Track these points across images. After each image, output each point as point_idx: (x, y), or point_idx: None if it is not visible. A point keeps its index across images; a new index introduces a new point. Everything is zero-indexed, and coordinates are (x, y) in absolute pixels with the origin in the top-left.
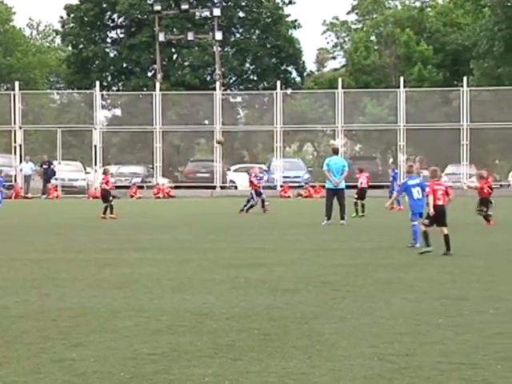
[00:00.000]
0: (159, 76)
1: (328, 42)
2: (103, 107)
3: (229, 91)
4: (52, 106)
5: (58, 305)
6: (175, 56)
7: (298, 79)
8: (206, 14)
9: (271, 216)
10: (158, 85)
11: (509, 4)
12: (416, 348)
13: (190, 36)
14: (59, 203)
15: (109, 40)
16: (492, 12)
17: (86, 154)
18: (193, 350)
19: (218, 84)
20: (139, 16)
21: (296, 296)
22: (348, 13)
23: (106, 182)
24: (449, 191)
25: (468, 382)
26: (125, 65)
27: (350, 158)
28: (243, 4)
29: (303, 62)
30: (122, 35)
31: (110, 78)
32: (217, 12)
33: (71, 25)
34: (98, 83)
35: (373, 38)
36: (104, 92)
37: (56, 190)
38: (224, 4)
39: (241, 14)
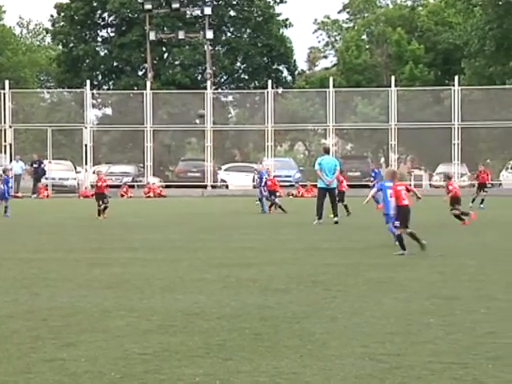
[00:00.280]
0: (150, 75)
1: (319, 41)
2: (94, 106)
3: (220, 90)
4: (42, 104)
5: (48, 304)
6: (166, 55)
7: (290, 78)
8: (197, 12)
9: (262, 216)
10: (148, 84)
11: (500, 3)
12: (407, 348)
13: (181, 35)
14: (49, 203)
15: (99, 39)
16: (483, 11)
17: (76, 153)
18: (184, 349)
19: (208, 83)
20: (130, 15)
21: (287, 295)
22: (339, 12)
23: (103, 183)
24: (409, 188)
25: (459, 381)
26: (115, 64)
27: (341, 157)
28: (234, 3)
29: (294, 61)
30: (112, 34)
31: (100, 77)
32: (208, 11)
33: (61, 23)
34: (88, 82)
35: (364, 36)
36: (94, 91)
37: (46, 190)
38: (215, 3)
39: (232, 13)
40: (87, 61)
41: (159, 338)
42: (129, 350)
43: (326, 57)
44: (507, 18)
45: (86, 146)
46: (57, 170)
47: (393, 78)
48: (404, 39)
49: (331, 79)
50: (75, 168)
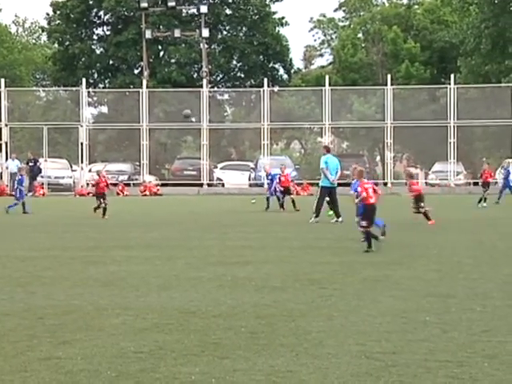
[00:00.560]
0: (146, 73)
1: (315, 40)
2: (89, 104)
3: (216, 88)
4: (38, 103)
5: (44, 303)
6: (162, 53)
7: (285, 76)
8: (193, 11)
9: (258, 214)
10: (144, 82)
11: (495, 1)
12: (403, 346)
13: (177, 33)
14: (45, 201)
15: (95, 37)
16: (479, 9)
17: (72, 152)
18: (179, 348)
19: (204, 81)
20: (126, 13)
21: (283, 294)
22: (335, 10)
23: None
24: (376, 188)
25: (455, 379)
26: (111, 62)
27: (337, 155)
28: (230, 1)
29: (290, 60)
30: (108, 32)
31: (96, 76)
32: (204, 9)
33: (57, 22)
34: (84, 80)
35: (360, 35)
36: (90, 89)
37: (42, 188)
38: (211, 1)
39: (228, 12)
40: (83, 59)
41: (155, 337)
42: (125, 349)
43: (321, 55)
44: (503, 16)
45: (81, 144)
46: (53, 168)
47: (389, 76)
48: (400, 37)
49: (327, 77)
50: (71, 166)
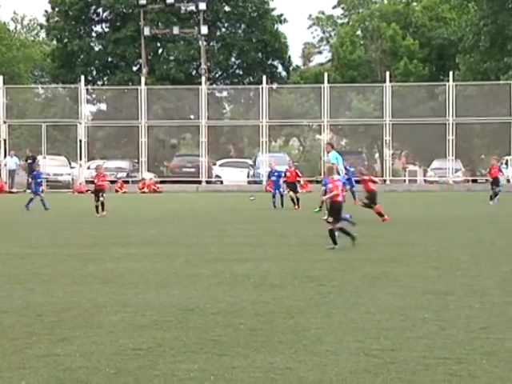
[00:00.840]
0: (144, 70)
1: (314, 37)
2: (88, 102)
3: (214, 86)
4: (37, 100)
5: (43, 300)
6: (160, 50)
7: (284, 74)
8: (192, 8)
9: (257, 211)
10: (143, 79)
11: None
12: (402, 343)
13: (176, 30)
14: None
15: (94, 34)
16: (478, 7)
17: (71, 149)
18: (178, 345)
19: (203, 78)
20: (124, 10)
21: (282, 291)
22: (334, 7)
23: (103, 179)
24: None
25: (453, 376)
26: (110, 59)
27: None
28: None
29: (289, 57)
30: (107, 29)
31: (95, 73)
32: (202, 6)
33: (56, 19)
34: (82, 77)
35: (359, 32)
36: (89, 86)
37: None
38: None
39: (226, 9)
40: (81, 56)
41: (154, 334)
42: (123, 346)
43: (320, 52)
44: (502, 13)
45: (80, 141)
46: (51, 165)
47: (387, 73)
48: (399, 35)
49: (326, 75)
50: (70, 163)
